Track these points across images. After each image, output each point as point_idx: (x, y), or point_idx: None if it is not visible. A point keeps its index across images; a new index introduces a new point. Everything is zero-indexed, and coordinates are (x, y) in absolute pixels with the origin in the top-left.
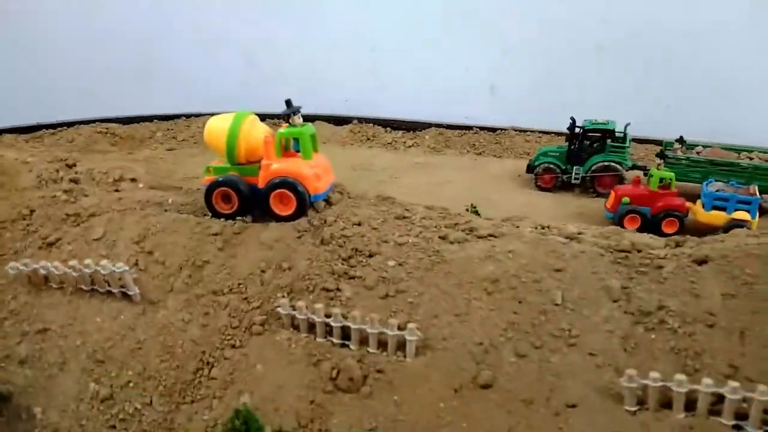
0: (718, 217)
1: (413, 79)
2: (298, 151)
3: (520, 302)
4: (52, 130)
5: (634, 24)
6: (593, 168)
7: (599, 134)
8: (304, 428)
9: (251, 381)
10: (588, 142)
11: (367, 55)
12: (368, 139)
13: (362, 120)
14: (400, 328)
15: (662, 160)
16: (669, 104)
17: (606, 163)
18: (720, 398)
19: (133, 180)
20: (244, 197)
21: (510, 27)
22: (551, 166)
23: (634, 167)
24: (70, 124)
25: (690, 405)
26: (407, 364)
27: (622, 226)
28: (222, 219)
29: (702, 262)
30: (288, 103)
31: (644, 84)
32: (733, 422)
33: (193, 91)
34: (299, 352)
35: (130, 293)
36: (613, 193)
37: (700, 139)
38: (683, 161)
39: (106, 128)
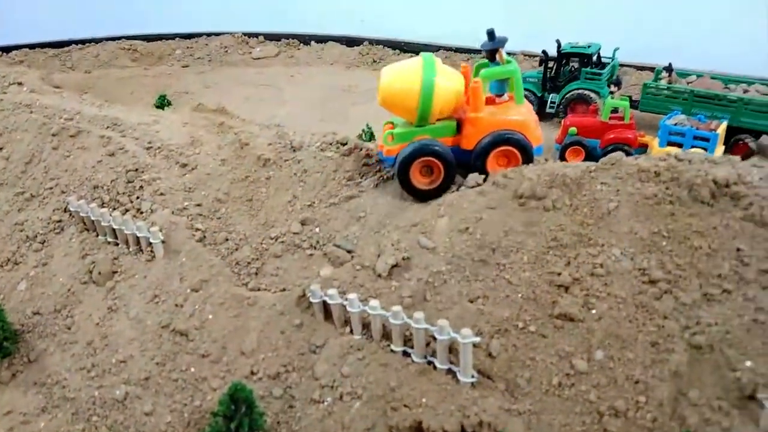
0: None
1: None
2: (497, 95)
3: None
4: (80, 46)
5: None
6: (566, 96)
7: (575, 59)
8: (57, 313)
9: (38, 268)
10: (565, 68)
11: None
12: (374, 61)
13: (373, 42)
14: (149, 231)
15: (617, 87)
16: (698, 29)
17: (579, 91)
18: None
19: (20, 84)
20: (451, 167)
21: None
22: (525, 92)
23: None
24: (98, 41)
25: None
26: (151, 264)
27: (564, 160)
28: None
29: None
30: (491, 34)
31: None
32: (402, 348)
33: (216, 9)
34: (76, 246)
35: None
36: (562, 123)
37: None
38: (664, 91)
39: (130, 45)
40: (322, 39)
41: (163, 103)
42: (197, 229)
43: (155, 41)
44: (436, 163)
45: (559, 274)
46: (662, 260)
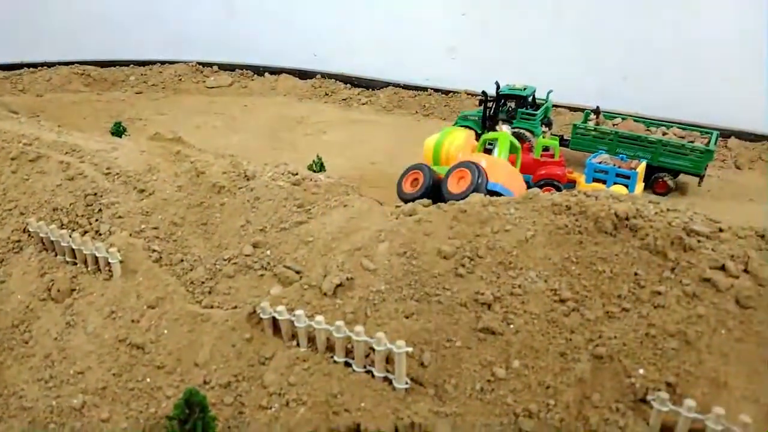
0: (597, 189)
1: (378, 36)
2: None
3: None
4: (32, 69)
5: None
6: None
7: (512, 100)
8: (15, 328)
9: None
10: (503, 108)
11: (338, 9)
12: (326, 94)
13: (325, 75)
14: (107, 251)
15: (548, 128)
16: (628, 75)
17: (515, 130)
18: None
19: None
20: (428, 180)
21: None
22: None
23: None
24: (50, 65)
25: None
26: (109, 283)
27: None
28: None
29: None
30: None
31: (606, 53)
32: (344, 359)
33: (174, 39)
34: (35, 265)
35: None
36: None
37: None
38: (591, 132)
39: (83, 70)
40: (275, 71)
41: (118, 130)
42: (154, 251)
43: (109, 67)
44: (420, 175)
45: (483, 293)
46: (571, 282)
